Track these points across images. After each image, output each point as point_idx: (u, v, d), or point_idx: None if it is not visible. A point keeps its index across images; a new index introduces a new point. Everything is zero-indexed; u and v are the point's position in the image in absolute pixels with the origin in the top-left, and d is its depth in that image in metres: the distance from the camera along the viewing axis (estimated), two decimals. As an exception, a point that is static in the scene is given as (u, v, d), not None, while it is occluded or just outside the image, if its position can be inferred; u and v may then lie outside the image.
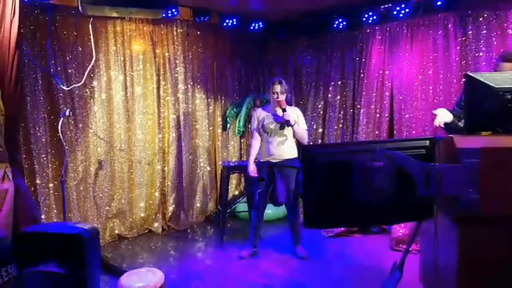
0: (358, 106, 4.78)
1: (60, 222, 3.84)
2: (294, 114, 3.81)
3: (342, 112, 5.03)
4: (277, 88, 3.79)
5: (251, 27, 5.18)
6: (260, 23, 5.16)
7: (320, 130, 5.24)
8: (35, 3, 3.66)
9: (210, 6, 4.73)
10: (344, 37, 4.94)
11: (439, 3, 4.03)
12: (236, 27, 5.04)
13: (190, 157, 5.06)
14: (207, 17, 4.78)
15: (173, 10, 4.32)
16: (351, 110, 4.92)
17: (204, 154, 5.21)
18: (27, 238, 2.56)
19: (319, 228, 4.08)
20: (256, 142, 3.95)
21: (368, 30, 4.68)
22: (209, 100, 5.25)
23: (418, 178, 1.62)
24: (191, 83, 5.01)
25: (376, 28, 4.61)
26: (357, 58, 4.83)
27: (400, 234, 4.04)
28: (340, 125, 5.05)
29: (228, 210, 4.95)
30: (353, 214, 1.76)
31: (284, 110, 3.68)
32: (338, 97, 5.05)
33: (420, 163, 1.65)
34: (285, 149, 3.85)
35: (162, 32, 4.70)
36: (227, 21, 4.97)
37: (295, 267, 3.79)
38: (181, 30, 4.82)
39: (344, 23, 4.78)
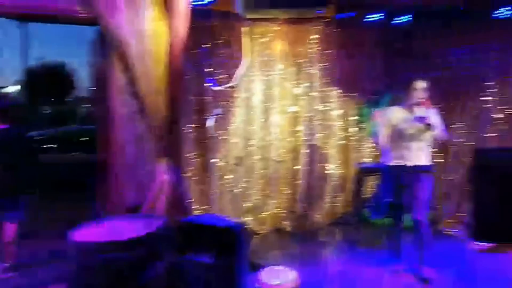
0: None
1: (212, 214, 3.89)
2: (433, 115, 3.38)
3: (501, 113, 4.50)
4: (422, 84, 3.35)
5: (396, 21, 4.79)
6: (407, 16, 4.74)
7: (472, 132, 4.68)
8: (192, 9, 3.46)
9: (354, 1, 4.56)
10: (508, 27, 4.40)
11: None
12: (379, 21, 4.77)
13: (321, 157, 5.02)
14: (352, 13, 4.66)
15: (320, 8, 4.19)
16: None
17: (336, 154, 5.13)
18: (185, 228, 2.76)
19: (491, 242, 3.62)
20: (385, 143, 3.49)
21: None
22: (344, 99, 5.14)
23: None
24: (327, 82, 4.99)
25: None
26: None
27: None
28: (500, 127, 4.52)
29: (360, 215, 4.92)
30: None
31: (426, 112, 3.29)
32: (498, 95, 4.54)
33: None
34: (422, 155, 3.43)
35: (302, 31, 4.74)
36: (370, 16, 4.71)
37: (437, 284, 3.36)
38: (321, 28, 4.81)
39: (511, 11, 4.28)
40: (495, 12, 4.35)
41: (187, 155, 4.18)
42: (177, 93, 3.08)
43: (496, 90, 4.55)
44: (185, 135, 4.11)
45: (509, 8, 4.25)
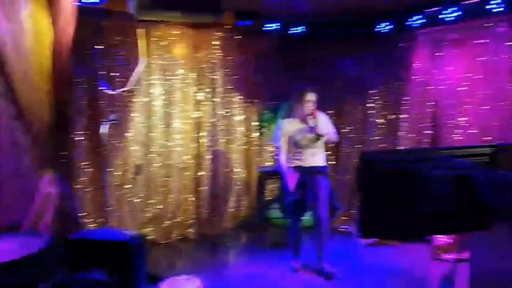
0: (400, 112, 4.69)
1: (107, 228, 3.73)
2: (323, 121, 3.59)
3: (383, 119, 4.88)
4: (311, 96, 3.54)
5: (292, 31, 5.01)
6: (302, 27, 4.97)
7: (360, 136, 5.06)
8: (82, 7, 3.21)
9: (253, 9, 4.62)
10: (388, 41, 4.77)
11: (492, 6, 3.84)
12: (277, 31, 4.94)
13: (225, 162, 4.93)
14: (250, 22, 4.70)
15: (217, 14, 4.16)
16: (393, 116, 4.81)
17: (239, 159, 5.15)
18: (75, 244, 2.61)
19: (376, 238, 3.81)
20: (285, 157, 3.64)
21: (414, 34, 4.56)
22: (246, 105, 5.19)
23: (483, 187, 1.52)
24: (229, 88, 5.00)
25: (423, 31, 4.48)
26: (401, 63, 4.70)
27: (442, 242, 3.74)
28: (382, 131, 4.90)
29: (263, 217, 4.99)
30: (411, 225, 1.63)
31: (317, 121, 3.48)
32: (380, 102, 4.92)
33: (486, 172, 1.55)
34: (317, 158, 3.66)
35: (203, 36, 4.64)
36: (268, 25, 4.85)
37: (334, 278, 3.56)
38: (222, 34, 4.77)
39: (390, 26, 4.66)
40: (378, 26, 4.77)
41: (79, 164, 3.87)
42: (63, 97, 2.84)
43: (379, 97, 4.97)
44: (76, 143, 3.80)
45: (388, 23, 4.69)
